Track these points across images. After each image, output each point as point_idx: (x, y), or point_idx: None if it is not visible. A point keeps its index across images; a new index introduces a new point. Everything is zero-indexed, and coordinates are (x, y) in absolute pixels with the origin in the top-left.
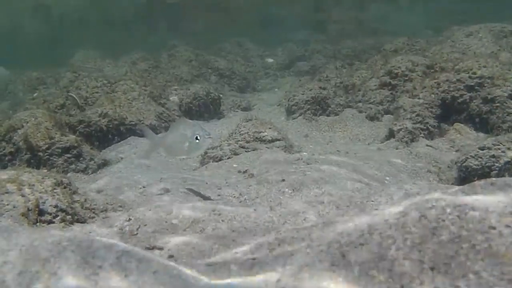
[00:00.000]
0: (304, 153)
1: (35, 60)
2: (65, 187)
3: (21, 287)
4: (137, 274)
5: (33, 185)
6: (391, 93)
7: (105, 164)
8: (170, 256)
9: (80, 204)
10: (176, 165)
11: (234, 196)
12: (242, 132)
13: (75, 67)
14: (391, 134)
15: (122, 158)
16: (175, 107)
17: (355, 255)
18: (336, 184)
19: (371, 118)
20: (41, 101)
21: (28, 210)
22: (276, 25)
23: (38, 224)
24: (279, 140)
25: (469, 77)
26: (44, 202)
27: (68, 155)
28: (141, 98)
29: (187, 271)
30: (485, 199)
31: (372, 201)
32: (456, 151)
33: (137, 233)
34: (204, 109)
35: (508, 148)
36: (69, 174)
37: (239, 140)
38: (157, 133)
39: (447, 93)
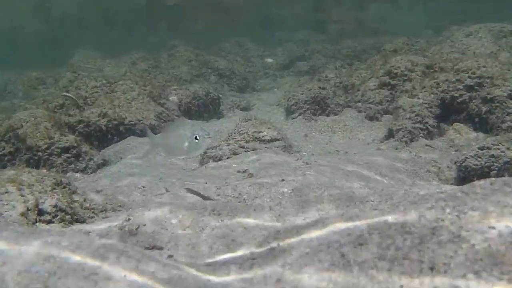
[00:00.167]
0: (304, 153)
1: (35, 60)
2: (64, 187)
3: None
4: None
5: (33, 185)
6: (391, 93)
7: (104, 164)
8: (170, 256)
9: (80, 204)
10: (176, 165)
11: (234, 196)
12: (241, 132)
13: (75, 67)
14: (390, 134)
15: (121, 158)
16: (174, 107)
17: (354, 255)
18: (335, 184)
19: (371, 118)
20: (40, 101)
21: (28, 210)
22: (276, 25)
23: (37, 224)
24: (278, 140)
25: (469, 77)
26: (44, 202)
27: (68, 155)
28: (141, 98)
29: (189, 270)
30: (484, 199)
31: (372, 201)
32: (456, 151)
33: (136, 233)
34: (204, 109)
35: (508, 148)
36: (68, 174)
37: (238, 140)
38: (156, 133)
39: (447, 93)
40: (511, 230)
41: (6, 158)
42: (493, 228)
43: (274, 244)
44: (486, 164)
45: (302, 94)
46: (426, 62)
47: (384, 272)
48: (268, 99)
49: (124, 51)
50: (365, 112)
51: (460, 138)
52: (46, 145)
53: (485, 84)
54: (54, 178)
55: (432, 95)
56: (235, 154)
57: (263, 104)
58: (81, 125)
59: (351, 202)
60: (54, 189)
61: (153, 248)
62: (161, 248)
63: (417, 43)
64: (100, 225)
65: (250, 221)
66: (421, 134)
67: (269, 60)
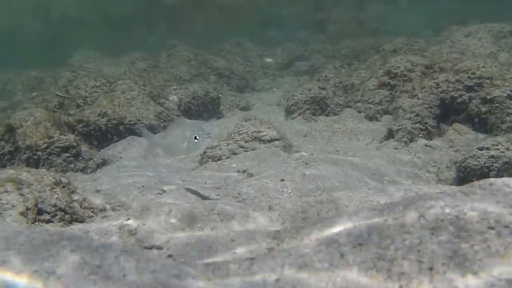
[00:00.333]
0: (303, 153)
1: (35, 60)
2: (64, 187)
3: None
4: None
5: (32, 184)
6: (390, 93)
7: (104, 163)
8: (169, 256)
9: (79, 204)
10: (175, 164)
11: (233, 196)
12: (241, 132)
13: (75, 67)
14: (390, 134)
15: (121, 158)
16: (174, 107)
17: (354, 255)
18: (334, 184)
19: (370, 118)
20: (40, 100)
21: (27, 209)
22: (274, 25)
23: (37, 223)
24: (278, 139)
25: (468, 77)
26: (43, 202)
27: (67, 155)
28: (140, 97)
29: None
30: (484, 199)
31: (371, 201)
32: (455, 151)
33: (136, 233)
34: (203, 109)
35: (507, 149)
36: (67, 174)
37: (238, 140)
38: (156, 133)
39: (446, 93)
40: (510, 231)
41: (5, 158)
42: (492, 228)
43: (273, 244)
44: (486, 164)
45: (301, 94)
46: (426, 62)
47: (384, 272)
48: (267, 99)
49: (124, 51)
50: (364, 112)
51: (459, 139)
52: (45, 145)
53: (484, 85)
54: (53, 178)
55: (432, 95)
56: (235, 154)
57: (262, 104)
58: (80, 125)
59: (351, 202)
60: (54, 188)
61: (152, 247)
62: (160, 248)
63: (417, 43)
64: (100, 225)
65: (249, 220)
66: (420, 135)
67: (269, 60)
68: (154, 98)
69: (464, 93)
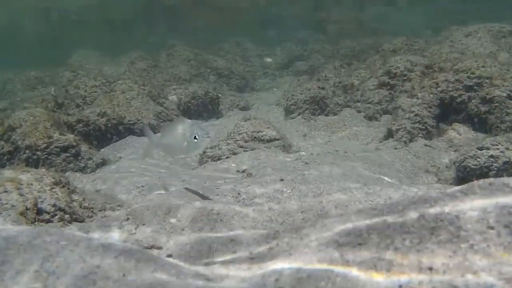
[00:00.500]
0: (303, 153)
1: (34, 60)
2: (63, 186)
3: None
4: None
5: (32, 184)
6: (390, 93)
7: (103, 163)
8: (169, 256)
9: (79, 203)
10: (175, 164)
11: (233, 196)
12: (240, 132)
13: (75, 67)
14: (389, 134)
15: (120, 158)
16: (173, 107)
17: (354, 255)
18: (334, 184)
19: (370, 118)
20: (39, 100)
21: (27, 209)
22: (272, 25)
23: (36, 223)
24: (277, 139)
25: (468, 77)
26: (43, 201)
27: (67, 154)
28: (140, 97)
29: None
30: (483, 199)
31: (371, 201)
32: (455, 151)
33: (135, 232)
34: (203, 109)
35: (507, 148)
36: (67, 173)
37: (237, 140)
38: (155, 133)
39: (446, 93)
40: (510, 231)
41: (5, 158)
42: (492, 228)
43: (273, 244)
44: (485, 164)
45: (301, 94)
46: (425, 62)
47: (384, 272)
48: (267, 98)
49: (124, 51)
50: (364, 112)
51: (459, 138)
52: (45, 145)
53: (484, 84)
54: (53, 178)
55: (431, 95)
56: (234, 153)
57: (262, 104)
58: (80, 125)
59: (350, 202)
60: (53, 188)
61: (152, 247)
62: (160, 248)
63: (416, 43)
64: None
65: (249, 220)
66: (420, 134)
67: (268, 59)
68: (154, 98)
69: (464, 93)
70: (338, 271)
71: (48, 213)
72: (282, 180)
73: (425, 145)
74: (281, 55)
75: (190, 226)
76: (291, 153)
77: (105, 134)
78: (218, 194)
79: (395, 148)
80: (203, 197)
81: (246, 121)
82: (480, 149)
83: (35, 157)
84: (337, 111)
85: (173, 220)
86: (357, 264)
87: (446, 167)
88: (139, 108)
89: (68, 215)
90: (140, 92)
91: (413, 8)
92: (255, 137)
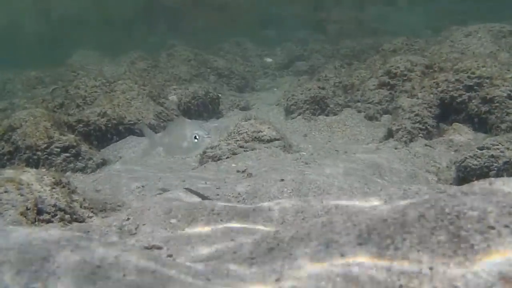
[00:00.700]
0: (303, 153)
1: (34, 60)
2: (63, 187)
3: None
4: None
5: (32, 184)
6: (390, 93)
7: (104, 163)
8: (169, 256)
9: (79, 203)
10: (175, 164)
11: (233, 196)
12: (240, 132)
13: (74, 67)
14: (389, 134)
15: (121, 158)
16: (174, 107)
17: (354, 254)
18: (334, 184)
19: (370, 118)
20: (39, 100)
21: (27, 209)
22: (276, 25)
23: (36, 223)
24: (277, 139)
25: (468, 77)
26: (43, 202)
27: (67, 155)
28: (140, 97)
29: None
30: (484, 199)
31: (371, 201)
32: (455, 151)
33: (136, 232)
34: (203, 109)
35: (507, 148)
36: (67, 174)
37: (238, 140)
38: (156, 133)
39: (446, 93)
40: (510, 231)
41: (5, 158)
42: (493, 228)
43: (273, 244)
44: (486, 164)
45: (301, 94)
46: (426, 62)
47: (383, 271)
48: (267, 98)
49: (124, 51)
50: (364, 112)
51: (459, 138)
52: (45, 145)
53: (484, 84)
54: (53, 178)
55: (432, 95)
56: (235, 153)
57: (262, 104)
58: (80, 125)
59: (350, 202)
60: (54, 188)
61: (152, 247)
62: (160, 248)
63: (416, 43)
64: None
65: (249, 220)
66: (420, 134)
67: (268, 59)
68: (154, 98)
69: (464, 92)
70: (338, 271)
71: (49, 213)
72: (282, 180)
73: (426, 145)
74: (281, 55)
75: (190, 226)
76: (291, 153)
77: (106, 134)
78: (218, 194)
79: (396, 148)
80: (203, 197)
81: (246, 121)
82: (481, 149)
83: (35, 157)
84: (337, 111)
85: (173, 221)
86: (357, 264)
87: (447, 167)
88: (139, 108)
89: (69, 215)
90: (140, 92)
91: (413, 8)
92: (255, 137)
